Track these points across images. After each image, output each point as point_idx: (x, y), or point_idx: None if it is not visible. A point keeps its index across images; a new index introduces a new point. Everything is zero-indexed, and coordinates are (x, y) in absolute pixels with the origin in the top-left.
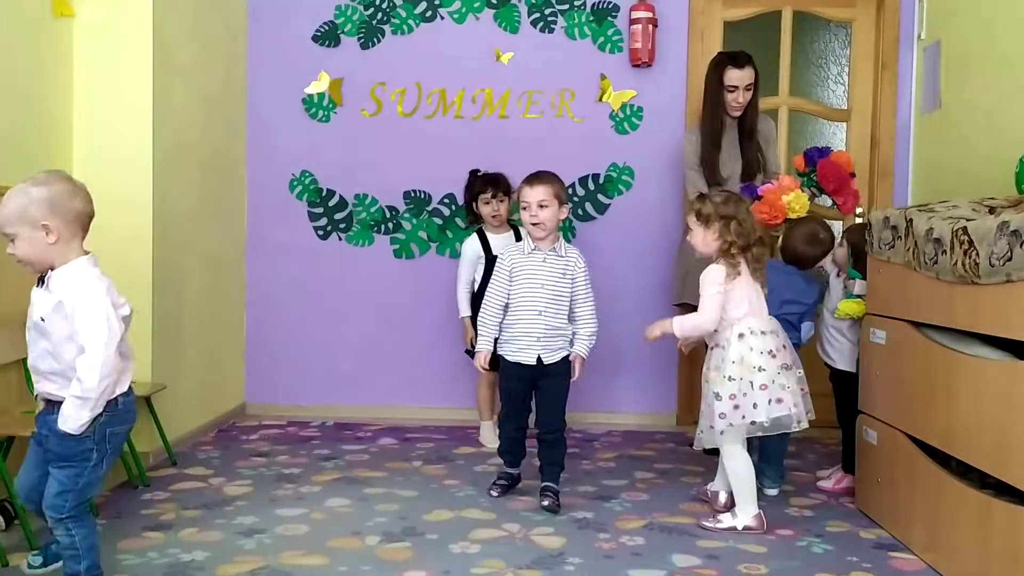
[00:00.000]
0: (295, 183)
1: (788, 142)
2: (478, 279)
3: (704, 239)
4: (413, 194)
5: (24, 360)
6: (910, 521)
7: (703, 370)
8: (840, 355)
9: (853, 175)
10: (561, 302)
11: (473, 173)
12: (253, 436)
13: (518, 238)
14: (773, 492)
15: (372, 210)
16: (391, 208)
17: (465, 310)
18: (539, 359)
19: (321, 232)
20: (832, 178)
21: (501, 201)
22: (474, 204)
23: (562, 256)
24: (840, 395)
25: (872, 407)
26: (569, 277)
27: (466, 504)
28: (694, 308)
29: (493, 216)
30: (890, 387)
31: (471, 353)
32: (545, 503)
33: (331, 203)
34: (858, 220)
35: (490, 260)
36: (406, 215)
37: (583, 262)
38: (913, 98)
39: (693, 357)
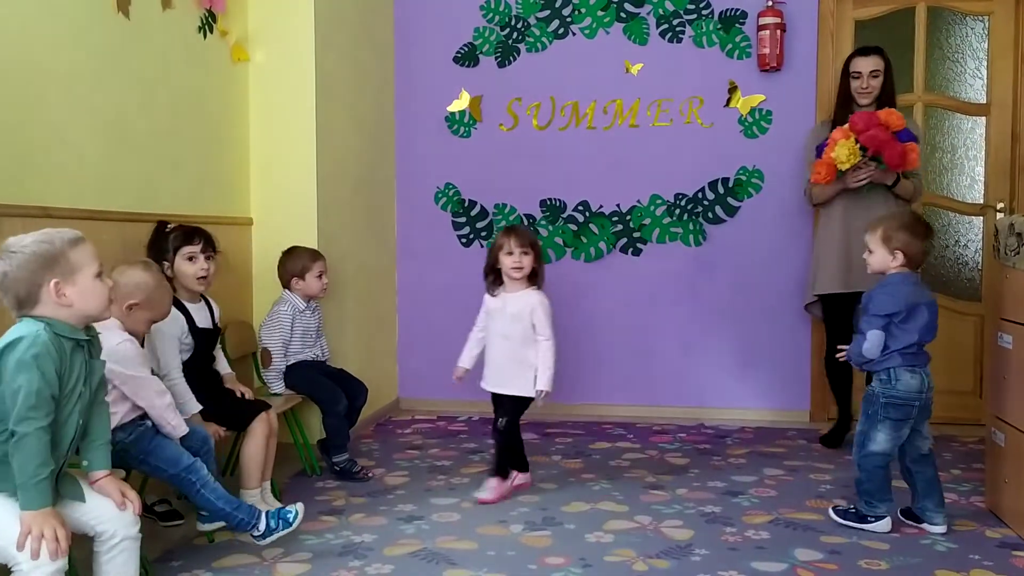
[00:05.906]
0: (440, 195)
1: (925, 138)
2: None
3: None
4: (549, 202)
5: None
6: None
7: None
8: None
9: (902, 131)
10: None
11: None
12: (407, 430)
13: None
14: (942, 529)
15: (511, 218)
16: (528, 216)
17: None
18: None
19: (464, 240)
20: (864, 126)
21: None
22: None
23: None
24: None
25: (1000, 410)
26: None
27: (601, 497)
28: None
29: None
30: (1017, 390)
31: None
32: None
33: (473, 213)
34: (998, 215)
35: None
36: (542, 222)
37: None
38: None
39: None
